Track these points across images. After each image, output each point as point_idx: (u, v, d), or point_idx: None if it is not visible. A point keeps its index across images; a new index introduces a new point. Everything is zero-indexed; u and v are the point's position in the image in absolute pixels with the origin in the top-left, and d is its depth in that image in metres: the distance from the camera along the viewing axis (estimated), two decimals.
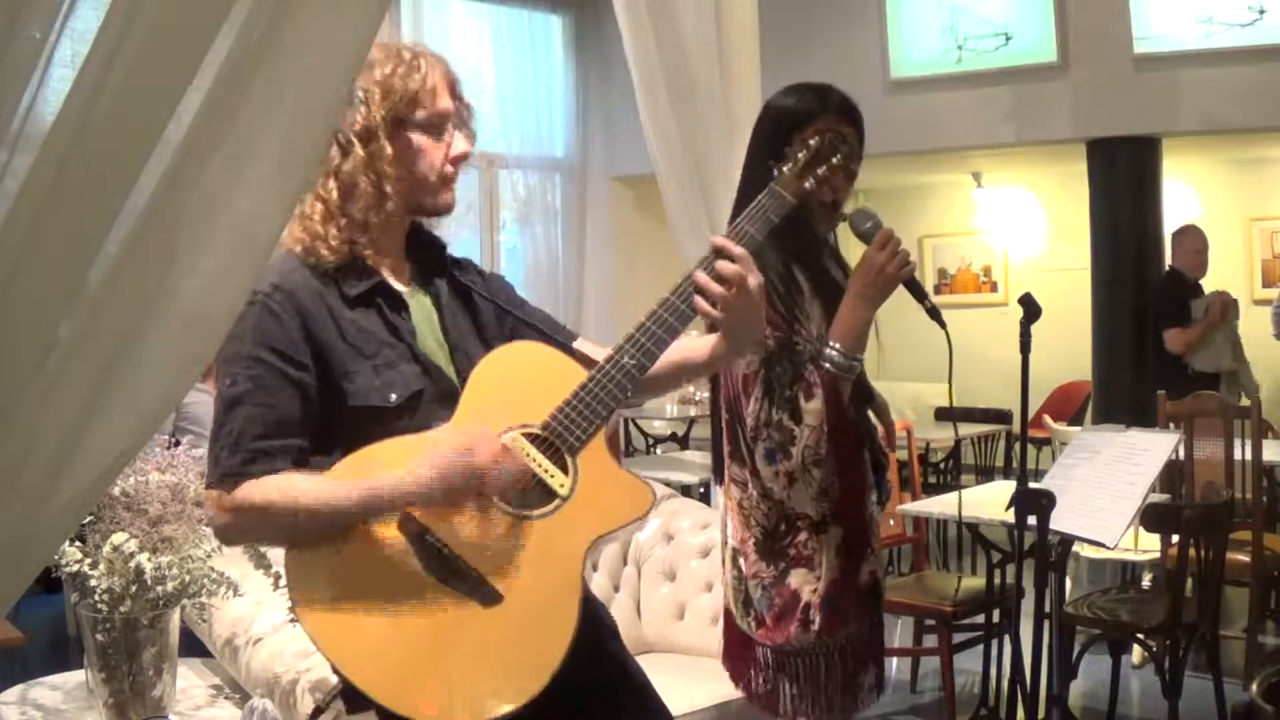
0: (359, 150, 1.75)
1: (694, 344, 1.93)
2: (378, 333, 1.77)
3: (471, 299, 1.92)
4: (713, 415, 2.45)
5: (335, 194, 1.76)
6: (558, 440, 1.71)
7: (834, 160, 1.99)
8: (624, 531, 1.78)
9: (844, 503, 2.29)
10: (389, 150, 1.76)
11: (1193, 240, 6.16)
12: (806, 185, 1.97)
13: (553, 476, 1.70)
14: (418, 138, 1.79)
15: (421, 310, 1.86)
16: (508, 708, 1.61)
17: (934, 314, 2.23)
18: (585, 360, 1.82)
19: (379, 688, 1.61)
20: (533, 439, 1.71)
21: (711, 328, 1.90)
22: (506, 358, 1.79)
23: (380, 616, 1.63)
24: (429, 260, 1.91)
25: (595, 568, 3.48)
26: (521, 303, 2.01)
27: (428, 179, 1.81)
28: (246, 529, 1.72)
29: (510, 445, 1.68)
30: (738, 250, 1.79)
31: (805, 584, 2.27)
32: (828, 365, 2.21)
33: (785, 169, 1.98)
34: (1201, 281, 6.21)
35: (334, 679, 1.77)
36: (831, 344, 2.22)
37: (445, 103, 1.82)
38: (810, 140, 2.01)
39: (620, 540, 3.52)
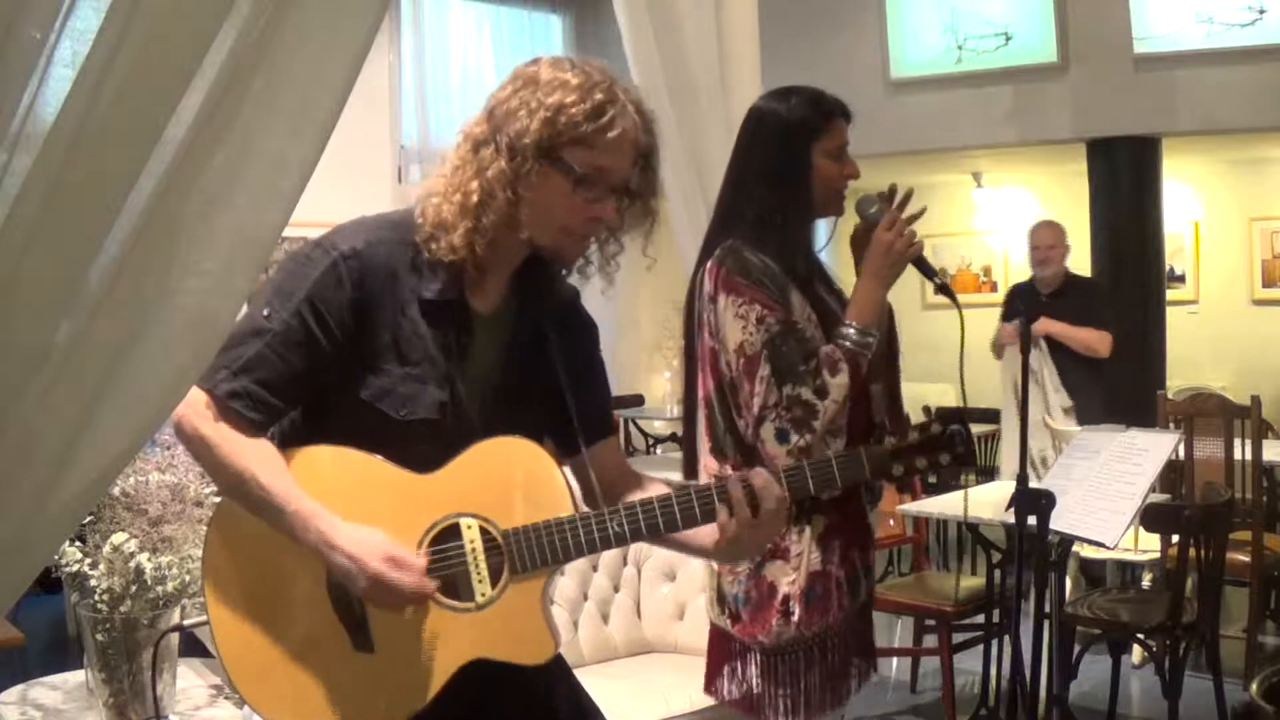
0: (503, 162, 1.65)
1: (701, 531, 1.76)
2: (429, 344, 1.69)
3: (545, 348, 1.81)
4: (685, 414, 2.44)
5: (476, 196, 1.66)
6: (507, 555, 1.67)
7: (941, 460, 1.79)
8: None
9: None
10: (533, 175, 1.65)
11: (1031, 237, 5.69)
12: (894, 471, 1.79)
13: (480, 581, 1.67)
14: (561, 181, 1.66)
15: (491, 334, 1.77)
16: None
17: (945, 290, 2.32)
18: (576, 475, 1.81)
19: (240, 670, 1.68)
20: (486, 537, 1.67)
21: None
22: (508, 451, 1.71)
23: (269, 607, 1.68)
24: (534, 290, 1.80)
25: (595, 568, 3.48)
26: (588, 375, 1.89)
27: (552, 223, 1.70)
28: (196, 452, 1.69)
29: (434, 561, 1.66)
30: (777, 493, 1.68)
31: (782, 576, 2.26)
32: (846, 343, 2.25)
33: (887, 439, 1.81)
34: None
35: None
36: (848, 323, 2.27)
37: (615, 162, 1.67)
38: (934, 426, 1.80)
39: None
